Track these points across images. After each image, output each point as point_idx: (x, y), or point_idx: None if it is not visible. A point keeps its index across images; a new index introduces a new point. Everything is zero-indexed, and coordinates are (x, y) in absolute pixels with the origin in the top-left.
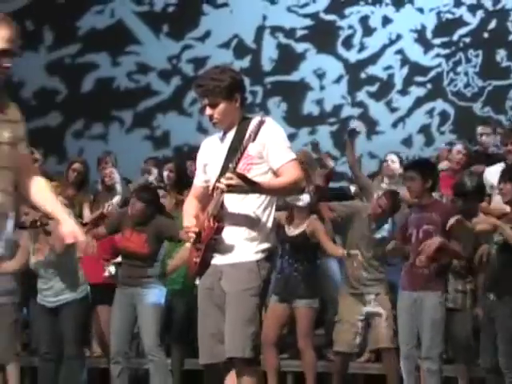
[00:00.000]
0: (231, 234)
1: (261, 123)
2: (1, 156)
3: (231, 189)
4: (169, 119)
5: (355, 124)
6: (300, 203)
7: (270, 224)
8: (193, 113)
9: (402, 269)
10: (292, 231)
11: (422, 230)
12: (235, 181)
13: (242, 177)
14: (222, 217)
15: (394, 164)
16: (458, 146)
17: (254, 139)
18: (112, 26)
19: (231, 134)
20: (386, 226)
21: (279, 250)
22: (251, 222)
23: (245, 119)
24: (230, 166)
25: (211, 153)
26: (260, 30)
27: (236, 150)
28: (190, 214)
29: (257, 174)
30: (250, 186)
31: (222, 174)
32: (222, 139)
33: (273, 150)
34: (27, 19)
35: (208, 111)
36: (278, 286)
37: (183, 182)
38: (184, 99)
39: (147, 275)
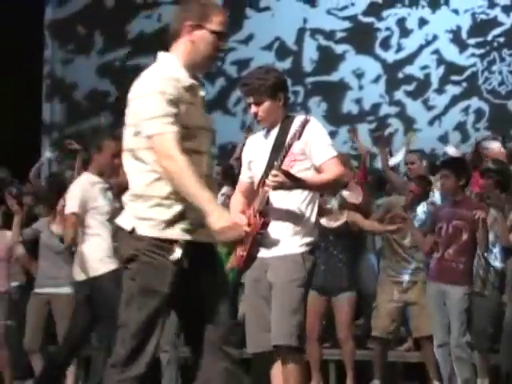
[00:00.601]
0: (276, 228)
1: (305, 122)
2: (206, 165)
3: (277, 185)
4: (214, 118)
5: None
6: (328, 206)
7: (313, 218)
8: (237, 112)
9: (431, 261)
10: (332, 223)
11: (452, 224)
12: (281, 178)
13: (287, 174)
14: (267, 212)
15: (414, 165)
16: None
17: (298, 138)
18: (159, 30)
19: (275, 132)
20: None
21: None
22: (295, 217)
23: (288, 118)
24: (276, 163)
25: (256, 150)
26: (301, 33)
27: (280, 148)
28: (236, 210)
29: (299, 170)
30: (294, 183)
31: (267, 170)
32: (266, 137)
33: (315, 147)
34: (79, 24)
35: (253, 109)
36: (320, 278)
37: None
38: (228, 99)
39: None
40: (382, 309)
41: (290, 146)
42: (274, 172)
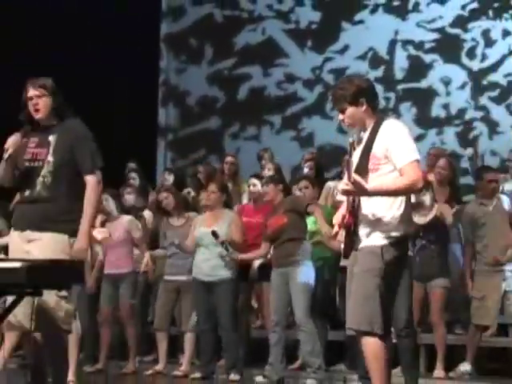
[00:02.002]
0: (365, 223)
1: (385, 126)
2: None
3: (347, 194)
4: (313, 122)
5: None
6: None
7: (398, 215)
8: (334, 116)
9: None
10: (423, 219)
11: None
12: (350, 187)
13: (357, 184)
14: (356, 209)
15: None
16: None
17: (377, 141)
18: (263, 41)
19: (365, 136)
20: None
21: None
22: (380, 213)
23: (378, 121)
24: (352, 174)
25: (351, 140)
26: (392, 44)
27: (368, 151)
28: (340, 211)
29: (383, 173)
30: (364, 193)
31: (356, 172)
32: (360, 139)
33: (395, 151)
34: (191, 37)
35: (340, 116)
36: (417, 268)
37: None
38: (326, 104)
39: (295, 252)
40: (488, 299)
41: (369, 149)
42: (344, 181)
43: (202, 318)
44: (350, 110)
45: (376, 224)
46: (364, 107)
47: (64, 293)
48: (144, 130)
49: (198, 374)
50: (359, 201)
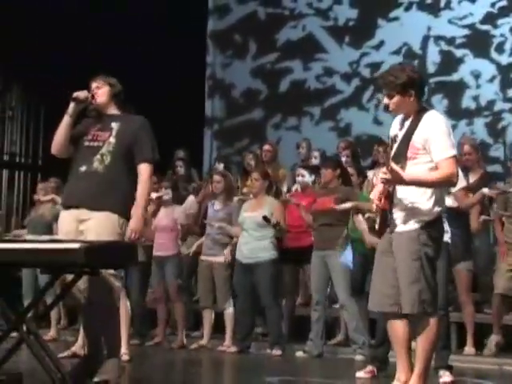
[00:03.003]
0: (399, 207)
1: (428, 117)
2: None
3: (385, 182)
4: (350, 113)
5: None
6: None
7: (431, 200)
8: (370, 108)
9: None
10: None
11: None
12: (388, 176)
13: (395, 173)
14: (391, 194)
15: None
16: None
17: (418, 131)
18: (304, 37)
19: (407, 123)
20: None
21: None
22: (414, 198)
23: (421, 112)
24: (390, 163)
25: (394, 133)
26: (425, 39)
27: (408, 140)
28: (377, 188)
29: (420, 163)
30: (401, 181)
31: (394, 159)
32: (402, 124)
33: (434, 144)
34: (236, 34)
35: (385, 100)
36: None
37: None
38: (362, 97)
39: (335, 236)
40: (502, 269)
41: (410, 139)
42: (383, 170)
43: (240, 297)
44: (398, 98)
45: (410, 209)
46: (411, 98)
47: (113, 271)
48: (192, 121)
49: (234, 349)
50: (394, 186)
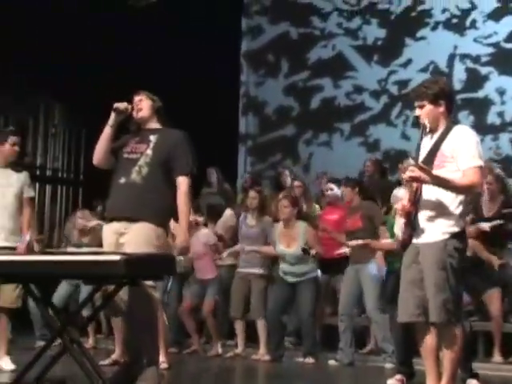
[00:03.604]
0: (426, 217)
1: (458, 129)
2: None
3: (413, 179)
4: (379, 129)
5: None
6: None
7: (458, 210)
8: (398, 124)
9: None
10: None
11: None
12: (416, 173)
13: (423, 169)
14: (417, 201)
15: None
16: None
17: (447, 140)
18: (334, 56)
19: (436, 136)
20: None
21: None
22: (441, 209)
23: (450, 125)
24: (411, 161)
25: (421, 149)
26: (451, 58)
27: (436, 149)
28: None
29: (448, 171)
30: (429, 178)
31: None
32: (429, 139)
33: (462, 153)
34: (269, 53)
35: (417, 112)
36: None
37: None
38: (391, 113)
39: (367, 251)
40: None
41: (439, 147)
42: (411, 167)
43: (273, 307)
44: (429, 108)
45: (437, 220)
46: (442, 109)
47: (151, 283)
48: (226, 137)
49: (268, 357)
50: (421, 193)
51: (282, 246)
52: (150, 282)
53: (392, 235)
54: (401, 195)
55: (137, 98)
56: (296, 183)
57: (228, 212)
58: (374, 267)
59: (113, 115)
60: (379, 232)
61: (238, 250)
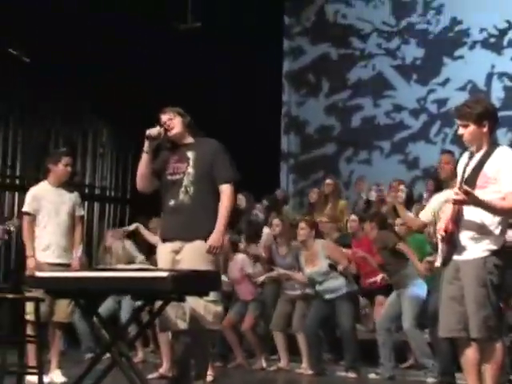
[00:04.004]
0: (466, 235)
1: (501, 150)
2: None
3: (457, 202)
4: (418, 147)
5: None
6: None
7: (498, 229)
8: (437, 142)
9: None
10: None
11: None
12: (461, 196)
13: (467, 193)
14: (458, 220)
15: None
16: None
17: (490, 161)
18: (373, 76)
19: (479, 156)
20: None
21: None
22: (481, 227)
23: (493, 145)
24: (462, 184)
25: (462, 167)
26: (489, 76)
27: (479, 169)
28: (443, 217)
29: (489, 192)
30: (472, 202)
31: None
32: (471, 158)
33: (504, 176)
34: (310, 73)
35: (460, 130)
36: None
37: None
38: (430, 131)
39: (406, 273)
40: None
41: (482, 168)
42: (455, 190)
43: (314, 323)
44: (472, 128)
45: (478, 237)
46: (485, 129)
47: (212, 297)
48: (269, 156)
49: (310, 371)
50: (462, 212)
51: (308, 268)
52: (211, 297)
53: (423, 253)
54: (442, 199)
55: (165, 117)
56: (327, 181)
57: (266, 231)
58: (415, 288)
59: (147, 142)
60: (398, 248)
61: (275, 276)
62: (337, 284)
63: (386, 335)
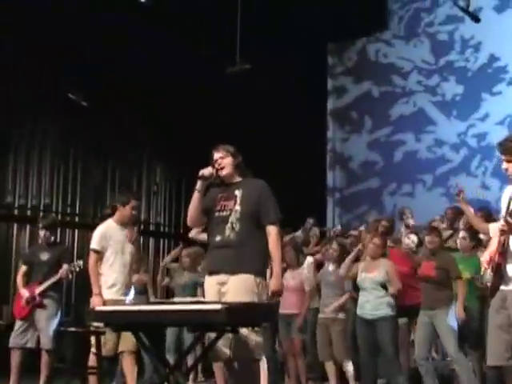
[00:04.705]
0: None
1: None
2: None
3: (503, 233)
4: (459, 180)
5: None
6: None
7: None
8: (478, 175)
9: None
10: None
11: None
12: (506, 227)
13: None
14: (504, 251)
15: None
16: None
17: None
18: (414, 112)
19: None
20: None
21: None
22: None
23: None
24: (508, 218)
25: (507, 199)
26: None
27: None
28: (490, 248)
29: None
30: None
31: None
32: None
33: None
34: (353, 111)
35: (504, 165)
36: None
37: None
38: (470, 165)
39: (441, 298)
40: None
41: None
42: (502, 222)
43: (363, 350)
44: None
45: None
46: None
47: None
48: (315, 190)
49: None
50: (508, 243)
51: (364, 273)
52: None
53: (477, 271)
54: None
55: (217, 155)
56: (383, 222)
57: (309, 259)
58: (450, 312)
59: (199, 182)
60: (455, 284)
61: (342, 303)
62: (383, 302)
63: (426, 364)
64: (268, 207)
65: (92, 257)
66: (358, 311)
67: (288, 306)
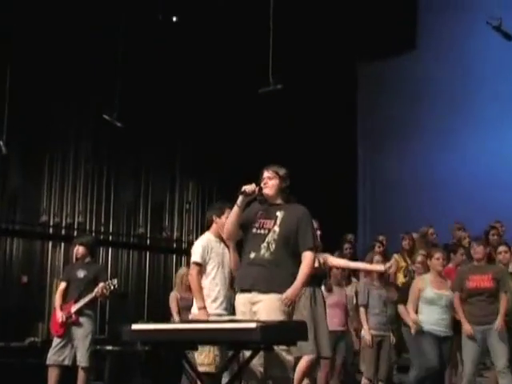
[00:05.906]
0: None
1: None
2: None
3: None
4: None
5: None
6: None
7: None
8: None
9: None
10: None
11: None
12: None
13: None
14: None
15: None
16: None
17: None
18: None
19: None
20: None
21: None
22: None
23: None
24: None
25: None
26: None
27: None
28: None
29: None
30: None
31: None
32: None
33: None
34: (383, 129)
35: None
36: None
37: None
38: None
39: (494, 313)
40: None
41: None
42: None
43: (435, 363)
44: None
45: None
46: None
47: (284, 346)
48: (347, 207)
49: None
50: None
51: (435, 290)
52: (283, 346)
53: None
54: None
55: (266, 175)
56: (430, 230)
57: (354, 280)
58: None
59: (241, 197)
60: (501, 298)
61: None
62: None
63: (473, 381)
64: (306, 233)
65: (194, 270)
66: (427, 327)
67: (333, 323)
